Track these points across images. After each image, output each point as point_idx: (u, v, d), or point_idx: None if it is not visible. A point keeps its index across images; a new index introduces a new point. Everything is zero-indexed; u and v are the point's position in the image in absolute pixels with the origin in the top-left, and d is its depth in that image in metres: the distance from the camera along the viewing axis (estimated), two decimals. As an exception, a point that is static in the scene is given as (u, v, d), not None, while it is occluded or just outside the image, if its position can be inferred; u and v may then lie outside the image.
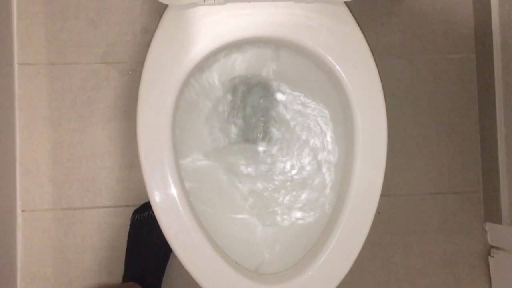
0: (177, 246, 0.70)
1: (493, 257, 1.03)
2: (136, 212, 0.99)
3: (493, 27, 0.99)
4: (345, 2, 0.75)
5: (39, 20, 1.01)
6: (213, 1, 0.73)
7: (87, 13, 1.02)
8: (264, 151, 0.84)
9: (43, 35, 1.01)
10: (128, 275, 0.96)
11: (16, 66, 1.01)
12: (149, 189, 0.71)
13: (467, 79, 1.07)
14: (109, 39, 1.03)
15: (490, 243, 1.04)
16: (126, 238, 0.99)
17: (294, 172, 0.83)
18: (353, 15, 0.75)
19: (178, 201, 0.71)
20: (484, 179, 1.05)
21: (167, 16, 0.74)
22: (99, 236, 1.00)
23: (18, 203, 1.00)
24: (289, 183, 0.83)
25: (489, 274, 1.04)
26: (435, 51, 1.07)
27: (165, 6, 0.75)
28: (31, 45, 1.01)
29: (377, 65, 0.75)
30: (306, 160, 0.83)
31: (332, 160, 0.82)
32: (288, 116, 0.83)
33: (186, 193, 0.72)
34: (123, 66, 1.03)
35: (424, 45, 1.07)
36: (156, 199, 0.71)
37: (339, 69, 0.74)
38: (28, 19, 1.01)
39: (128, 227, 1.00)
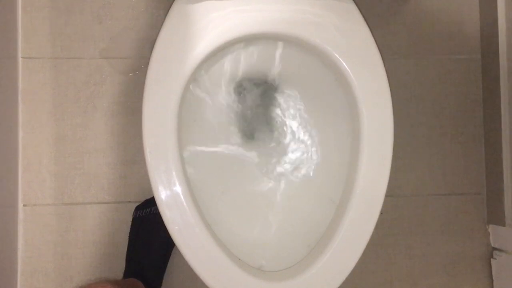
0: (181, 242, 0.70)
1: (495, 259, 1.03)
2: (138, 208, 0.99)
3: (499, 28, 0.99)
4: (353, -1, 0.75)
5: (44, 14, 1.01)
6: (220, -4, 0.73)
7: (92, 7, 1.02)
8: (268, 147, 0.83)
9: (48, 29, 1.01)
10: (129, 271, 0.96)
11: (20, 59, 1.00)
12: (154, 184, 0.70)
13: (473, 80, 1.07)
14: (114, 34, 1.02)
15: (492, 245, 1.04)
16: (128, 234, 0.99)
17: (296, 168, 0.83)
18: (360, 12, 0.75)
19: (182, 197, 0.70)
20: (488, 181, 1.05)
21: (174, 10, 0.74)
22: (101, 232, 1.00)
23: (20, 197, 0.99)
24: (292, 179, 0.83)
25: (492, 276, 1.04)
26: (441, 51, 1.06)
27: (171, 1, 0.75)
28: (35, 39, 1.01)
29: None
30: (309, 156, 0.83)
31: (335, 158, 0.82)
32: (292, 112, 0.83)
33: (190, 189, 0.71)
34: (128, 61, 1.02)
35: (430, 46, 1.06)
36: (160, 194, 0.70)
37: (346, 67, 0.73)
38: (33, 12, 1.01)
39: (130, 223, 0.99)
